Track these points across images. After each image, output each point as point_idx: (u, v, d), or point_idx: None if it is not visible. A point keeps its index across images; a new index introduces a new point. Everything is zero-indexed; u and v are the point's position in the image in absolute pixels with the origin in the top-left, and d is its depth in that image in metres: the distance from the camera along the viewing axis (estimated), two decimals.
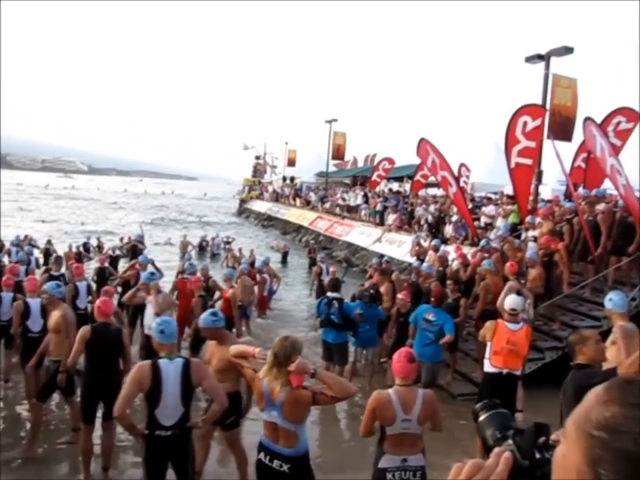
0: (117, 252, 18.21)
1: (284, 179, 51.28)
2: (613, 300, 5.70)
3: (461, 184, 21.70)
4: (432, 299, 8.73)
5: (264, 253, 20.54)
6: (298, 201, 38.97)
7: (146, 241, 20.83)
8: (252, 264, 16.42)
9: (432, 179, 25.85)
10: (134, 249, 18.24)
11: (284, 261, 23.43)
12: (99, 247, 21.94)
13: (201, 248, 25.91)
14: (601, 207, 12.20)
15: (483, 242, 12.80)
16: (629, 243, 11.39)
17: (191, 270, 11.50)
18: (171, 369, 4.45)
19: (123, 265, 16.65)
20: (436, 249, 13.23)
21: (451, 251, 14.07)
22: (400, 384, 4.51)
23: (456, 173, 21.49)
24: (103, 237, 24.49)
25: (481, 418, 1.22)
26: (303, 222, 33.51)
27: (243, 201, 56.26)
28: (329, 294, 9.52)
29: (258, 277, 14.05)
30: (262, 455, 4.22)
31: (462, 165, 23.93)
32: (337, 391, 4.10)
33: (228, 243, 25.52)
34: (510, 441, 1.10)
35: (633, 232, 11.34)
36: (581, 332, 4.45)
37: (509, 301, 7.20)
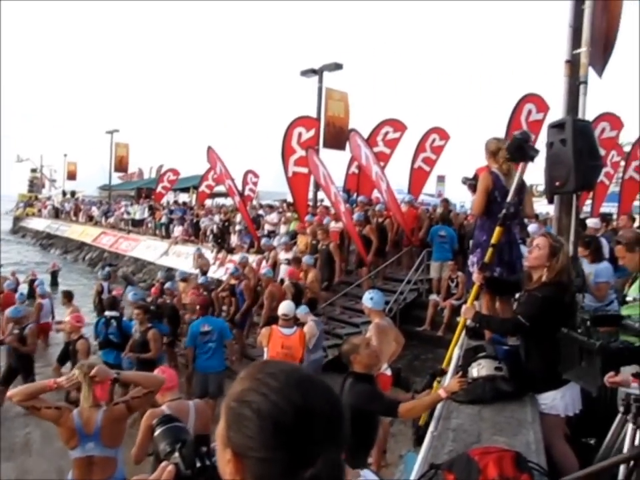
0: None
1: (64, 193, 48.01)
2: (373, 299, 6.13)
3: (247, 192, 21.99)
4: (198, 310, 8.77)
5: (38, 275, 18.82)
6: (80, 217, 36.74)
7: None
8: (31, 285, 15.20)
9: (217, 188, 25.98)
10: None
11: (54, 282, 21.49)
12: None
13: None
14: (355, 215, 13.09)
15: (232, 269, 12.76)
16: (386, 245, 12.52)
17: None
18: None
19: None
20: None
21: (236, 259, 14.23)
22: (171, 399, 4.43)
23: (242, 180, 21.78)
24: None
25: (156, 433, 1.25)
26: (86, 239, 31.56)
27: (17, 219, 51.48)
28: (107, 313, 9.14)
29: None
30: None
31: (249, 171, 23.88)
32: (148, 385, 3.98)
33: None
34: (176, 454, 1.16)
35: (387, 235, 12.50)
36: (350, 340, 4.46)
37: (281, 307, 7.45)
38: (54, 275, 21.42)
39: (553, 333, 3.49)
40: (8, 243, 37.99)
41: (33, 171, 61.81)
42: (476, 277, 4.59)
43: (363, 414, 4.05)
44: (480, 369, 3.86)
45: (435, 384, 4.53)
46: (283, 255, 12.54)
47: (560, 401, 3.71)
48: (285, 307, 7.45)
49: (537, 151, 4.69)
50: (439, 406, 3.86)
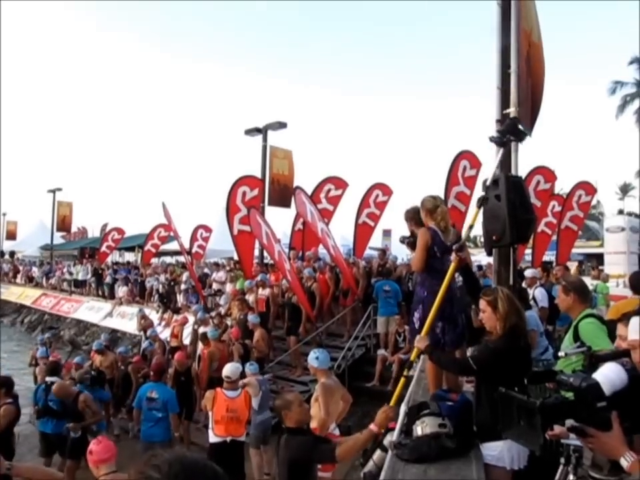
0: None
1: (2, 253, 46.63)
2: (319, 358, 6.09)
3: (195, 249, 21.40)
4: (152, 375, 8.43)
5: None
6: (19, 278, 35.63)
7: None
8: None
9: (163, 247, 25.60)
10: None
11: None
12: None
13: None
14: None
15: (146, 344, 12.56)
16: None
17: None
18: None
19: None
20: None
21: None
22: (105, 472, 4.22)
23: (190, 237, 21.37)
24: None
25: None
26: (25, 301, 30.47)
27: None
28: (48, 379, 8.74)
29: None
30: None
31: (199, 226, 22.56)
32: None
33: None
34: None
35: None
36: (284, 397, 4.46)
37: (225, 369, 7.31)
38: None
39: (505, 384, 3.50)
40: None
41: None
42: (453, 256, 4.60)
43: (301, 466, 3.99)
44: (424, 426, 3.86)
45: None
46: (201, 329, 12.05)
47: (507, 452, 3.69)
48: (229, 369, 7.29)
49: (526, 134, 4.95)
50: (385, 466, 3.82)
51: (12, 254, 44.37)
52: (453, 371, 4.65)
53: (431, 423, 3.85)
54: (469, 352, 5.02)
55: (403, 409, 4.97)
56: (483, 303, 3.98)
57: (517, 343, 3.85)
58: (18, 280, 35.52)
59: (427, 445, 3.77)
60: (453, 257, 4.67)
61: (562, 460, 2.96)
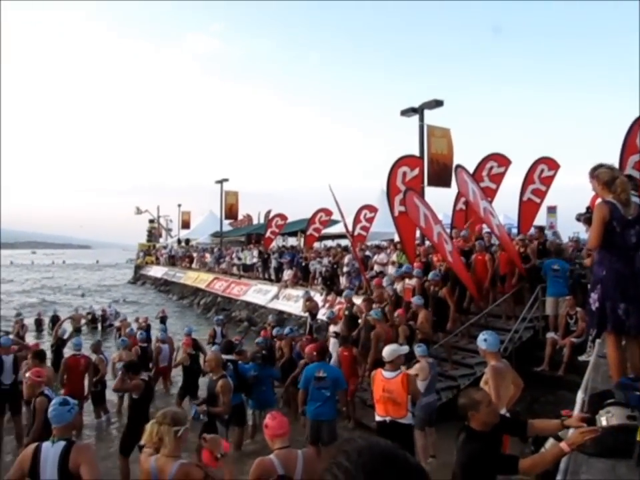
0: None
1: (179, 241, 50.64)
2: (487, 340, 5.87)
3: (358, 231, 21.20)
4: (315, 355, 8.57)
5: (154, 322, 19.72)
6: (194, 263, 38.43)
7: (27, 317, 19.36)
8: (147, 332, 15.72)
9: (324, 231, 26.17)
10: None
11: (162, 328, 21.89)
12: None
13: (93, 321, 24.68)
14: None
15: (346, 292, 13.32)
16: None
17: (77, 347, 11.07)
18: (50, 453, 4.17)
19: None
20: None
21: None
22: (279, 447, 4.40)
23: (354, 219, 21.46)
24: None
25: None
26: (200, 284, 32.88)
27: (138, 267, 54.70)
28: (223, 356, 9.27)
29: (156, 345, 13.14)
30: None
31: (363, 207, 21.94)
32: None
33: (118, 313, 24.24)
34: None
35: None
36: (471, 395, 3.94)
37: (384, 350, 7.26)
38: (162, 321, 22.01)
39: None
40: (130, 293, 40.32)
41: (151, 221, 65.51)
42: None
43: (475, 474, 3.77)
44: (609, 417, 3.53)
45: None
46: (332, 328, 12.14)
47: None
48: (385, 350, 7.22)
49: None
50: (564, 458, 3.57)
51: (187, 241, 48.06)
52: None
53: (618, 413, 3.52)
54: None
55: (580, 396, 4.65)
56: None
57: None
58: (193, 265, 38.34)
59: (613, 438, 3.46)
60: None
61: None
